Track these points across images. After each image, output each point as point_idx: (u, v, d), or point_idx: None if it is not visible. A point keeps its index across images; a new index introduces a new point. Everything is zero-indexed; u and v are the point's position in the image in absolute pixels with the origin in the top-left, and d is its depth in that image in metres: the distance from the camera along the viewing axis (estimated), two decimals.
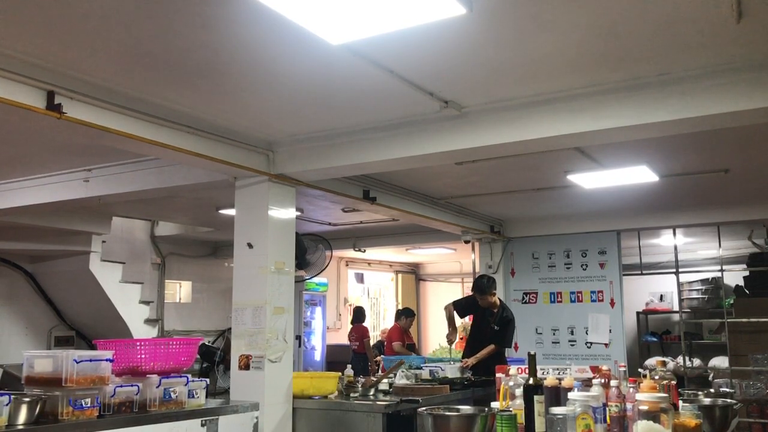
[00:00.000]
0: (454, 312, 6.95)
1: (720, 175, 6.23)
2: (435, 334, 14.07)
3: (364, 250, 10.93)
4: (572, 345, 8.50)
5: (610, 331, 8.28)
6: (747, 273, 9.64)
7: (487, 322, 6.61)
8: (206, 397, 4.26)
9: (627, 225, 8.36)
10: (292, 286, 5.37)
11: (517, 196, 7.28)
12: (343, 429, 4.91)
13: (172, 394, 3.98)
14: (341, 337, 12.05)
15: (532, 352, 3.25)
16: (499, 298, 6.79)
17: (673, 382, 3.32)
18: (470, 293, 6.92)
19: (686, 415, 2.91)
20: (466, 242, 8.79)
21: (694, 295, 11.27)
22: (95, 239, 8.34)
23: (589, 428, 2.74)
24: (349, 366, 5.75)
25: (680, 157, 5.78)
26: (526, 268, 8.92)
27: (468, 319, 7.56)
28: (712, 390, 4.38)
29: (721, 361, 9.72)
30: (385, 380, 5.51)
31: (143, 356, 3.96)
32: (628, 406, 2.87)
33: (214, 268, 10.65)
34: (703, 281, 11.18)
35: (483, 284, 6.61)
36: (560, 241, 8.71)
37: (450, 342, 6.88)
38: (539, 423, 2.98)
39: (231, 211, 5.61)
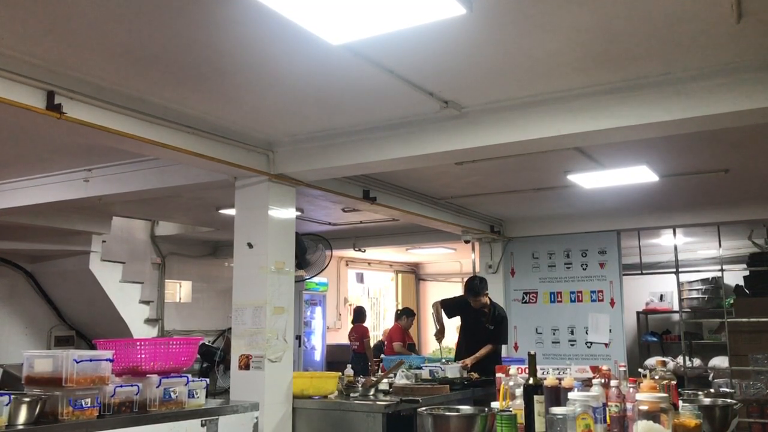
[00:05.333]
0: (442, 311, 6.87)
1: (720, 175, 6.23)
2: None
3: (364, 250, 10.94)
4: (572, 345, 8.50)
5: (610, 331, 8.27)
6: (747, 273, 9.65)
7: (480, 323, 6.59)
8: (206, 397, 4.26)
9: (627, 225, 8.36)
10: (292, 286, 5.37)
11: (517, 196, 7.28)
12: (343, 429, 4.91)
13: (172, 394, 3.98)
14: (341, 337, 12.04)
15: (532, 352, 3.25)
16: (489, 297, 6.76)
17: (673, 382, 3.32)
18: (461, 294, 6.89)
19: (686, 415, 2.91)
20: (466, 242, 8.79)
21: (694, 295, 11.27)
22: (95, 239, 8.34)
23: (589, 428, 2.74)
24: (349, 366, 5.75)
25: (680, 157, 5.78)
26: (526, 268, 8.91)
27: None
28: (712, 390, 4.38)
29: (721, 361, 9.73)
30: (385, 380, 5.51)
31: (143, 356, 3.96)
32: (628, 406, 2.87)
33: (214, 268, 10.64)
34: (703, 281, 11.19)
35: (476, 286, 6.58)
36: (560, 241, 8.70)
37: (439, 340, 6.84)
38: (539, 423, 2.98)
39: (231, 211, 5.62)
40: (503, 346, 7.18)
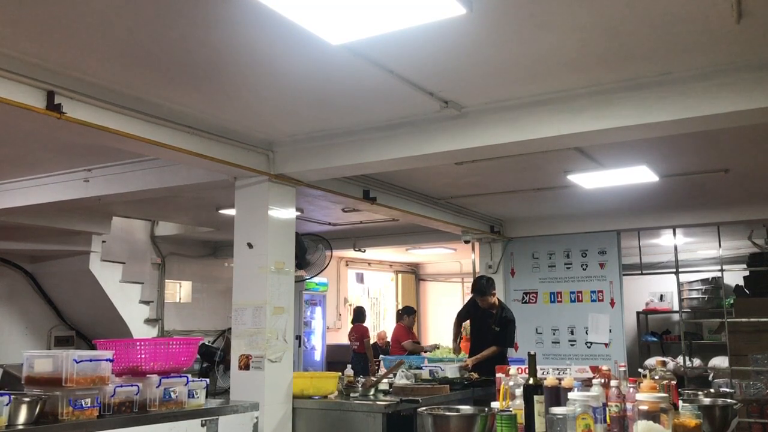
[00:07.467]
0: (457, 323, 6.99)
1: (720, 175, 6.23)
2: (435, 333, 14.09)
3: (364, 250, 10.94)
4: (572, 345, 8.50)
5: (610, 331, 8.28)
6: (747, 273, 9.65)
7: (487, 323, 6.62)
8: (206, 397, 4.26)
9: (627, 225, 8.36)
10: (292, 286, 5.37)
11: (517, 196, 7.28)
12: (343, 429, 4.91)
13: (172, 394, 3.98)
14: (341, 337, 12.05)
15: (532, 352, 3.25)
16: (498, 299, 6.79)
17: (673, 382, 3.32)
18: (469, 299, 6.94)
19: (686, 415, 2.91)
20: (466, 242, 8.78)
21: (694, 295, 11.27)
22: (95, 239, 8.34)
23: (589, 428, 2.74)
24: (349, 366, 5.75)
25: (680, 157, 5.78)
26: (526, 268, 8.91)
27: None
28: (712, 390, 4.38)
29: (721, 361, 9.73)
30: (385, 380, 5.51)
31: (143, 356, 3.96)
32: (628, 406, 2.87)
33: (214, 268, 10.65)
34: (703, 281, 11.19)
35: (482, 285, 6.62)
36: (560, 241, 8.70)
37: (455, 353, 6.88)
38: (539, 423, 2.98)
39: (231, 211, 5.61)
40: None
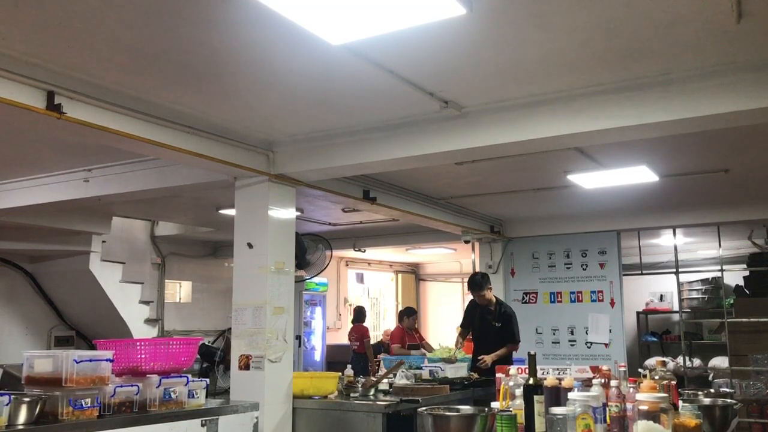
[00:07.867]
0: (462, 332, 7.00)
1: (720, 175, 6.24)
2: (435, 334, 14.08)
3: (364, 250, 10.94)
4: (572, 345, 8.50)
5: (610, 331, 8.28)
6: (747, 273, 9.65)
7: (487, 321, 6.64)
8: (206, 397, 4.26)
9: (627, 225, 8.37)
10: (292, 286, 5.37)
11: (517, 196, 7.28)
12: (343, 429, 4.91)
13: (172, 394, 3.98)
14: (341, 337, 12.04)
15: (532, 352, 3.25)
16: (495, 296, 6.81)
17: (673, 382, 3.32)
18: (467, 305, 6.97)
19: (686, 415, 2.91)
20: (466, 242, 8.79)
21: (694, 295, 11.27)
22: (95, 239, 8.34)
23: (589, 428, 2.74)
24: (349, 366, 5.75)
25: (680, 157, 5.78)
26: (526, 268, 8.91)
27: None
28: (712, 390, 4.38)
29: (721, 361, 9.73)
30: (385, 380, 5.51)
31: (143, 356, 3.96)
32: (628, 406, 2.87)
33: (214, 268, 10.65)
34: (703, 281, 11.19)
35: (478, 280, 6.67)
36: (560, 241, 8.71)
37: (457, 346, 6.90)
38: (539, 423, 2.98)
39: (231, 211, 5.62)
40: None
